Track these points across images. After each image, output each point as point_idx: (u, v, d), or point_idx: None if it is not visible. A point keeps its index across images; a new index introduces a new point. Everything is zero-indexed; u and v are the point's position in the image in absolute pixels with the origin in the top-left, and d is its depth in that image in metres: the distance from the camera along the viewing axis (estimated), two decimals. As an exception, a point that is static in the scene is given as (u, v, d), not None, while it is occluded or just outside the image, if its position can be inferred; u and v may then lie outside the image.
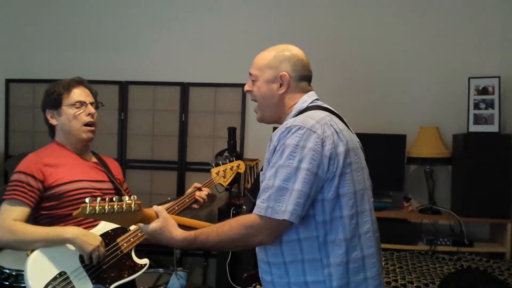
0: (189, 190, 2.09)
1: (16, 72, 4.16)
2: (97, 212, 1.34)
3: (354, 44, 3.81)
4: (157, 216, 1.47)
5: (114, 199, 1.37)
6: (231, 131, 2.95)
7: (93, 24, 4.11)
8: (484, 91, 3.43)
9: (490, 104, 3.40)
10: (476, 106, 3.43)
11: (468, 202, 3.27)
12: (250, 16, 3.95)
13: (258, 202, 1.41)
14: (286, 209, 1.35)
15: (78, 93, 2.00)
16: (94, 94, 2.07)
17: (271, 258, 1.48)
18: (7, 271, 2.60)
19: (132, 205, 1.38)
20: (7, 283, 2.58)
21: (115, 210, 1.36)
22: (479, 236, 3.48)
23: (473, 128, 3.40)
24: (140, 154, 3.92)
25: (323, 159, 1.39)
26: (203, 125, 3.98)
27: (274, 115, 1.61)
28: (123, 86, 4.03)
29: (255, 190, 1.49)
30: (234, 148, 2.95)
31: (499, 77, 3.38)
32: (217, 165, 2.29)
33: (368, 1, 3.82)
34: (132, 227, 1.89)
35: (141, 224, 1.47)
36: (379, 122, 3.63)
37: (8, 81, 4.18)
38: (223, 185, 2.30)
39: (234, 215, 2.99)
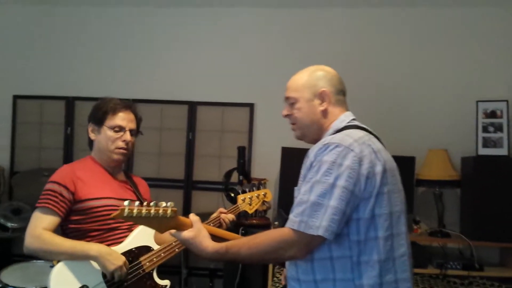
0: (214, 215, 2.15)
1: (23, 89, 4.17)
2: (134, 215, 1.40)
3: (362, 67, 3.82)
4: (192, 225, 1.49)
5: (151, 204, 1.41)
6: (241, 150, 2.95)
7: (101, 42, 4.14)
8: (492, 114, 3.44)
9: (498, 128, 3.40)
10: (485, 129, 3.44)
11: (477, 226, 3.24)
12: (259, 36, 3.98)
13: (291, 216, 1.40)
14: (320, 224, 1.34)
15: (122, 117, 2.06)
16: (138, 121, 2.14)
17: (301, 275, 1.46)
18: (12, 289, 2.56)
19: (168, 212, 1.42)
20: (12, 301, 2.53)
21: (151, 215, 1.40)
22: (488, 260, 3.44)
23: (482, 151, 3.39)
24: (147, 172, 3.89)
25: (360, 177, 1.39)
26: (210, 144, 3.97)
27: (316, 133, 1.61)
28: (131, 104, 4.03)
29: (287, 205, 1.49)
30: (243, 167, 2.93)
31: (507, 100, 3.40)
32: (243, 192, 2.34)
33: (377, 25, 3.85)
34: (156, 247, 1.96)
35: (173, 231, 1.50)
36: (387, 144, 3.58)
37: (16, 97, 4.18)
38: (248, 212, 2.33)
39: (243, 234, 2.96)
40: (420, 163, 3.53)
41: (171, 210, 1.42)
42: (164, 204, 1.42)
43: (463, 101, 3.63)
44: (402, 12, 3.83)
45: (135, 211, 1.39)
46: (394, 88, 3.79)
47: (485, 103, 3.46)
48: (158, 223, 1.44)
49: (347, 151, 1.40)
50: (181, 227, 1.48)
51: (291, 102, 1.64)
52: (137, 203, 1.41)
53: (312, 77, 1.62)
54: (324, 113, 1.60)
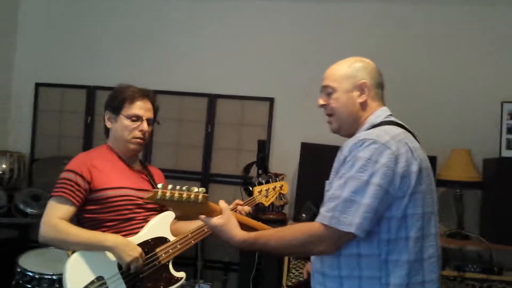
0: (230, 207, 2.08)
1: (45, 77, 4.21)
2: (167, 198, 1.40)
3: (385, 66, 3.72)
4: (221, 213, 1.49)
5: (184, 188, 1.41)
6: (261, 144, 2.91)
7: (123, 33, 4.15)
8: (517, 116, 3.38)
9: (523, 130, 3.33)
10: (509, 131, 3.37)
11: (498, 229, 3.18)
12: (281, 30, 3.94)
13: (322, 211, 1.39)
14: (352, 221, 1.32)
15: (139, 106, 2.00)
16: (156, 110, 2.09)
17: (326, 269, 1.44)
18: (30, 273, 2.57)
19: (200, 197, 1.41)
20: (30, 286, 2.55)
21: (183, 199, 1.40)
22: (507, 265, 3.36)
23: (506, 153, 3.33)
24: (165, 163, 3.90)
25: (396, 176, 1.35)
26: (228, 137, 3.96)
27: (352, 125, 1.57)
28: (151, 95, 4.04)
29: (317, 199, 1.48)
30: (263, 161, 2.90)
31: (533, 102, 3.32)
32: (259, 183, 2.29)
33: (401, 25, 3.78)
34: (171, 239, 1.93)
35: (203, 217, 1.50)
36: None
37: (38, 85, 4.22)
38: (264, 205, 2.28)
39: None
40: (441, 163, 3.47)
41: (203, 196, 1.41)
42: (196, 189, 1.41)
43: (487, 101, 3.56)
44: (426, 9, 3.76)
45: (167, 194, 1.40)
46: (417, 88, 3.72)
47: (510, 104, 3.39)
48: (189, 207, 1.44)
49: (383, 149, 1.36)
50: (210, 213, 1.48)
51: (328, 92, 1.58)
52: (170, 186, 1.40)
53: (352, 68, 1.58)
54: (363, 105, 1.55)
